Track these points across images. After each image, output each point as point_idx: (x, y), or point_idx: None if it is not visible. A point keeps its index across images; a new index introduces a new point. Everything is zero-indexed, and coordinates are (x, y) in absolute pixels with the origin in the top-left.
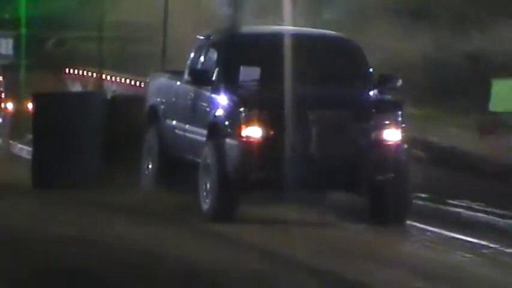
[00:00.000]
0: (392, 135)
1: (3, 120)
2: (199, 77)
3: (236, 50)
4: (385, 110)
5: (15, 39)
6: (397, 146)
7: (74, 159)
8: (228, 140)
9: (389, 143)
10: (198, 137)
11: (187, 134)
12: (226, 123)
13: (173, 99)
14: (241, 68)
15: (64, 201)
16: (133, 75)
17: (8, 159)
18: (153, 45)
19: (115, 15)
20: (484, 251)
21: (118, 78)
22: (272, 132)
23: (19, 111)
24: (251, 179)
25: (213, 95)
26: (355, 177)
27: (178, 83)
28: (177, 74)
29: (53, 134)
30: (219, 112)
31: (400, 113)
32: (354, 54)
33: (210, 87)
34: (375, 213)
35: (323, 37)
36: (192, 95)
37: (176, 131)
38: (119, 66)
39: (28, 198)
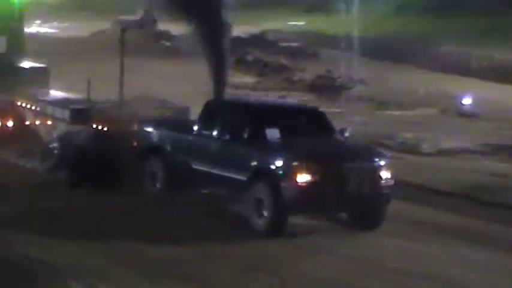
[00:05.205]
0: (388, 174)
1: None
2: (235, 136)
3: (258, 114)
4: (384, 158)
5: None
6: (391, 181)
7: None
8: (283, 184)
9: (388, 180)
10: (234, 176)
11: (213, 171)
12: (280, 171)
13: (186, 143)
14: (267, 129)
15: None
16: None
17: None
18: None
19: None
20: None
21: None
22: (316, 178)
23: None
24: (301, 209)
25: (250, 148)
26: (369, 204)
27: (190, 136)
28: (165, 123)
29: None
30: (263, 161)
31: (389, 159)
32: (328, 119)
33: (242, 142)
34: (365, 223)
35: (305, 108)
36: (219, 145)
37: (193, 166)
38: None
39: None
